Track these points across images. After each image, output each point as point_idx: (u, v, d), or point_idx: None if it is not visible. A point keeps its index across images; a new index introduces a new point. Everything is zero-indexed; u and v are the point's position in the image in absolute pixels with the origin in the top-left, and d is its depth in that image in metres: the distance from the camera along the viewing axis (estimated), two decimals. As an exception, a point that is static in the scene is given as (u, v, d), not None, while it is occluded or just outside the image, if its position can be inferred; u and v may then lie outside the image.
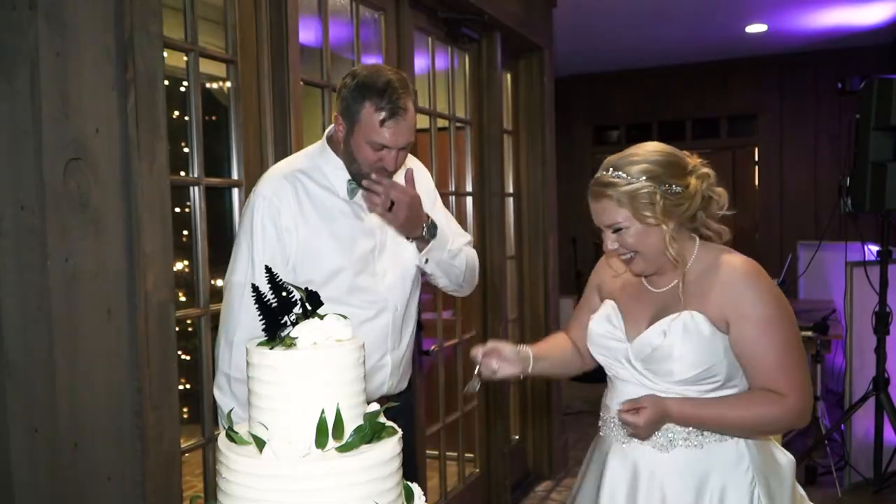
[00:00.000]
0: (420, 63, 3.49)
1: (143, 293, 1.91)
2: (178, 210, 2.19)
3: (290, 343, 1.26)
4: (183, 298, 3.08)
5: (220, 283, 2.06)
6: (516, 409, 4.54)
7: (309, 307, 1.30)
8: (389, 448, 1.24)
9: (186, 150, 2.32)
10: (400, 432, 1.30)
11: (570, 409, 5.15)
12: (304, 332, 1.27)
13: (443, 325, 3.71)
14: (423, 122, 3.57)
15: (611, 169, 1.70)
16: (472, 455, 4.04)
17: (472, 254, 2.25)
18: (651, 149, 1.72)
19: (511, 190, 4.50)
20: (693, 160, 1.75)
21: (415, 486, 1.36)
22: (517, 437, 4.52)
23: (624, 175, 1.67)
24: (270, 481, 1.18)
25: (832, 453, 4.38)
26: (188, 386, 2.86)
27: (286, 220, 1.96)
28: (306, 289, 1.32)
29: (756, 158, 7.52)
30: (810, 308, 5.18)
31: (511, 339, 4.39)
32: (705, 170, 1.74)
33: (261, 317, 1.28)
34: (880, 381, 4.09)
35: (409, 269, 2.12)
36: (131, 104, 1.88)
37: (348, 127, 1.95)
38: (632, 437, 1.75)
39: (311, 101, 2.81)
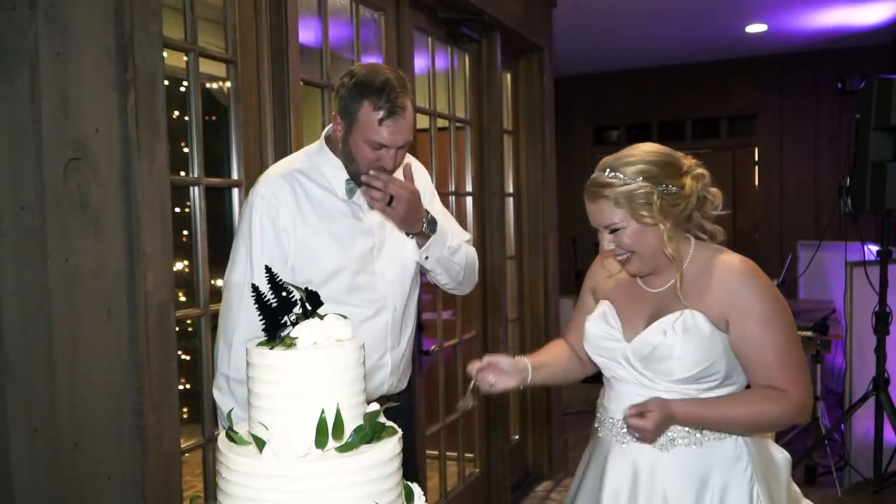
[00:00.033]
0: (420, 63, 3.49)
1: (143, 293, 1.91)
2: (178, 210, 2.19)
3: (290, 343, 1.26)
4: (183, 298, 3.08)
5: (219, 283, 2.06)
6: (516, 409, 4.54)
7: (309, 307, 1.30)
8: (389, 448, 1.24)
9: (186, 150, 2.32)
10: (400, 432, 1.30)
11: (570, 409, 5.15)
12: (304, 332, 1.27)
13: (443, 325, 3.71)
14: (423, 122, 3.57)
15: (607, 170, 1.70)
16: (472, 455, 4.04)
17: (472, 252, 2.25)
18: (647, 149, 1.73)
19: (511, 190, 4.50)
20: (688, 161, 1.76)
21: (415, 486, 1.36)
22: (517, 437, 4.52)
23: (620, 176, 1.68)
24: (270, 481, 1.18)
25: (832, 453, 4.39)
26: (188, 386, 2.86)
27: (284, 220, 1.96)
28: (306, 289, 1.32)
29: (756, 158, 7.52)
30: (810, 308, 5.18)
31: (511, 339, 4.40)
32: (700, 170, 1.75)
33: (261, 317, 1.28)
34: (880, 381, 4.09)
35: (409, 267, 2.12)
36: (131, 104, 1.88)
37: (346, 126, 1.95)
38: (639, 441, 1.75)
39: (311, 101, 2.81)
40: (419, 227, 2.03)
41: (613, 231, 1.72)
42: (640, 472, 1.77)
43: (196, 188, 2.31)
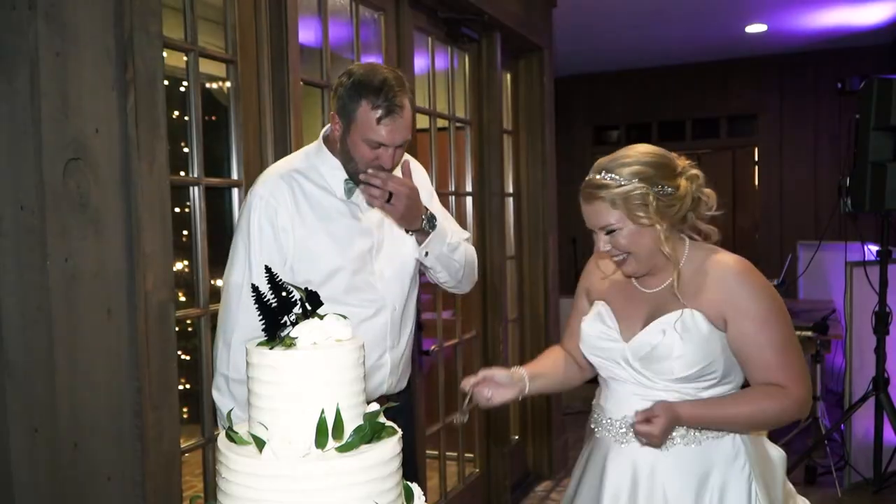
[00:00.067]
0: (420, 63, 3.49)
1: (143, 293, 1.91)
2: (178, 210, 2.20)
3: (289, 343, 1.27)
4: (183, 298, 3.08)
5: (219, 283, 2.06)
6: (516, 409, 4.54)
7: (308, 307, 1.30)
8: (389, 448, 1.24)
9: (186, 150, 2.32)
10: (400, 432, 1.30)
11: (570, 409, 5.15)
12: (304, 332, 1.27)
13: (443, 325, 3.71)
14: (422, 122, 3.57)
15: (603, 171, 1.71)
16: (472, 455, 4.04)
17: (471, 250, 2.25)
18: (642, 150, 1.73)
19: (511, 190, 4.50)
20: (682, 162, 1.77)
21: (415, 486, 1.36)
22: (517, 437, 4.53)
23: (616, 177, 1.69)
24: (270, 481, 1.18)
25: (832, 453, 4.39)
26: (188, 386, 2.86)
27: (283, 220, 1.96)
28: (306, 289, 1.32)
29: (756, 158, 7.52)
30: (810, 308, 5.18)
31: (511, 339, 4.40)
32: (694, 171, 1.76)
33: (261, 317, 1.28)
34: (880, 381, 4.09)
35: (408, 267, 2.12)
36: (131, 104, 1.88)
37: (345, 125, 1.95)
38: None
39: (311, 101, 2.81)
40: (419, 223, 2.03)
41: (609, 232, 1.72)
42: (640, 471, 1.77)
43: (196, 188, 2.31)
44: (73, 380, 1.76)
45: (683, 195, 1.71)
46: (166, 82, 2.01)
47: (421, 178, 2.15)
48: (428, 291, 3.72)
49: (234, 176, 2.45)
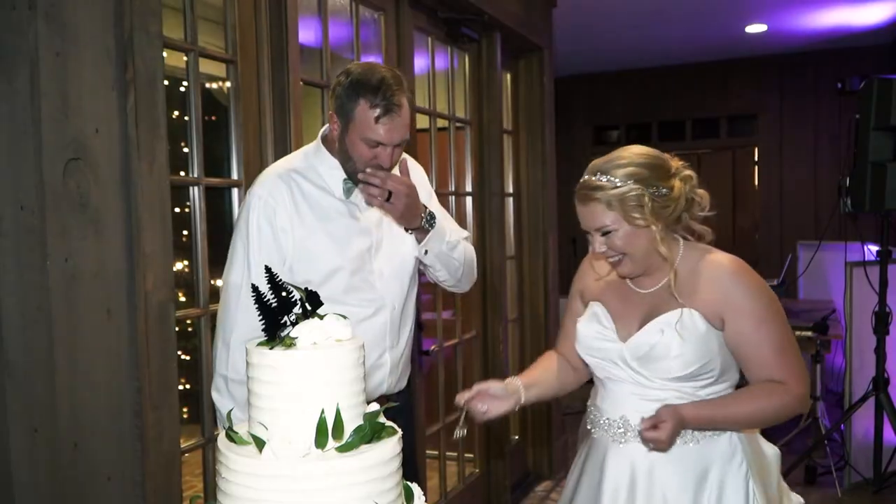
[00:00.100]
0: (420, 63, 3.49)
1: (143, 293, 1.91)
2: (177, 210, 2.19)
3: (289, 343, 1.26)
4: (183, 298, 3.08)
5: (219, 283, 2.06)
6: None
7: (308, 307, 1.30)
8: (389, 448, 1.24)
9: (186, 150, 2.32)
10: (400, 432, 1.30)
11: (570, 409, 5.15)
12: (304, 332, 1.27)
13: (443, 325, 3.71)
14: (422, 122, 3.57)
15: (598, 173, 1.72)
16: (472, 455, 4.04)
17: (470, 249, 2.25)
18: (636, 152, 1.74)
19: (511, 190, 4.50)
20: (675, 163, 1.78)
21: (415, 486, 1.36)
22: (517, 437, 4.52)
23: (612, 178, 1.69)
24: (270, 481, 1.18)
25: (832, 453, 4.39)
26: (188, 386, 2.86)
27: (282, 220, 1.96)
28: (306, 289, 1.32)
29: (756, 158, 7.52)
30: (810, 308, 5.18)
31: (511, 339, 4.40)
32: (687, 172, 1.77)
33: (260, 317, 1.28)
34: (880, 381, 4.09)
35: (407, 266, 2.12)
36: (131, 104, 1.88)
37: (343, 125, 1.95)
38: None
39: (310, 101, 2.81)
40: (418, 221, 2.03)
41: (605, 233, 1.73)
42: (638, 470, 1.78)
43: (196, 188, 2.31)
44: (73, 380, 1.76)
45: (678, 196, 1.72)
46: (166, 82, 2.01)
47: (419, 176, 2.15)
48: (428, 291, 3.72)
49: (234, 176, 2.45)
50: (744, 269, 1.76)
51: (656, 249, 1.73)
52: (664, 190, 1.71)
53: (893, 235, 4.20)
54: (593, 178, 1.71)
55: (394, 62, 3.17)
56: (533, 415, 4.61)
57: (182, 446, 2.14)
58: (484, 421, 1.87)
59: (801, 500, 1.92)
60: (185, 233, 2.63)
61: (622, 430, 1.80)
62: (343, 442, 1.22)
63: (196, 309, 2.34)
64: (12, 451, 1.72)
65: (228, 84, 2.45)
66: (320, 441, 1.21)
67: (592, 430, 1.89)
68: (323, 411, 1.21)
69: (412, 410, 2.63)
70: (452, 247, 2.14)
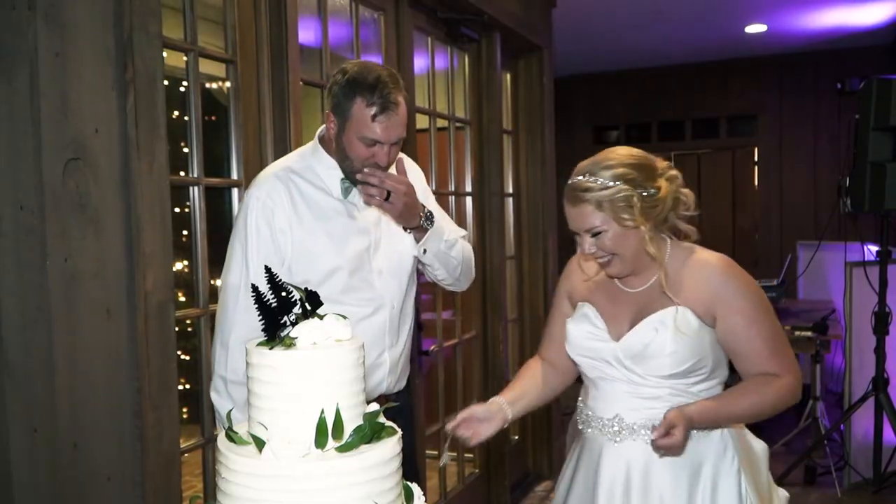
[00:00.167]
0: (420, 63, 3.49)
1: (143, 293, 1.91)
2: (177, 210, 2.19)
3: (289, 343, 1.26)
4: (182, 298, 3.08)
5: (219, 283, 2.06)
6: (516, 409, 4.53)
7: (308, 307, 1.30)
8: (389, 448, 1.24)
9: (186, 150, 2.32)
10: (400, 432, 1.30)
11: (570, 410, 5.15)
12: (304, 332, 1.27)
13: (442, 325, 3.71)
14: (422, 122, 3.58)
15: (586, 174, 1.73)
16: (471, 455, 4.04)
17: (468, 247, 2.25)
18: (623, 153, 1.76)
19: (511, 190, 4.50)
20: (661, 163, 1.80)
21: (414, 486, 1.36)
22: (517, 437, 4.52)
23: (601, 179, 1.71)
24: (270, 481, 1.17)
25: (832, 453, 4.39)
26: (188, 386, 2.87)
27: (280, 221, 1.96)
28: (305, 289, 1.32)
29: (756, 158, 7.52)
30: (810, 308, 5.18)
31: (511, 339, 4.40)
32: (673, 172, 1.80)
33: (260, 317, 1.28)
34: (880, 382, 4.09)
35: (406, 265, 2.12)
36: (131, 104, 1.88)
37: (340, 124, 1.95)
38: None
39: (310, 101, 2.81)
40: (417, 220, 2.03)
41: (595, 234, 1.74)
42: (634, 469, 1.79)
43: (196, 188, 2.31)
44: (73, 380, 1.76)
45: (665, 196, 1.75)
46: (166, 82, 2.01)
47: (416, 175, 2.16)
48: (428, 291, 3.72)
49: (234, 176, 2.45)
50: (732, 267, 1.80)
51: (645, 249, 1.75)
52: (652, 190, 1.73)
53: (893, 235, 4.20)
54: (582, 180, 1.73)
55: (393, 62, 3.17)
56: (533, 415, 4.59)
57: (182, 446, 2.14)
58: (475, 445, 1.90)
59: (787, 494, 1.94)
60: (184, 233, 2.63)
61: (616, 428, 1.81)
62: (343, 442, 1.22)
63: (196, 309, 2.34)
64: (12, 451, 1.72)
65: (228, 84, 2.45)
66: (320, 441, 1.21)
67: (585, 430, 1.90)
68: (323, 411, 1.21)
69: (412, 410, 2.63)
70: (451, 245, 2.14)
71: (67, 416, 1.74)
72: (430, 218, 2.07)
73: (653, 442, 1.68)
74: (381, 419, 1.28)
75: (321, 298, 1.32)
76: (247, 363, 1.26)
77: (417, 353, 3.20)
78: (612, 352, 1.81)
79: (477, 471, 4.05)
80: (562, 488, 1.96)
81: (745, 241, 7.54)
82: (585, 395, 1.93)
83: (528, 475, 4.61)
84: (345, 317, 1.31)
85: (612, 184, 1.70)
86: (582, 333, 1.87)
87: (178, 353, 2.10)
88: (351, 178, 1.99)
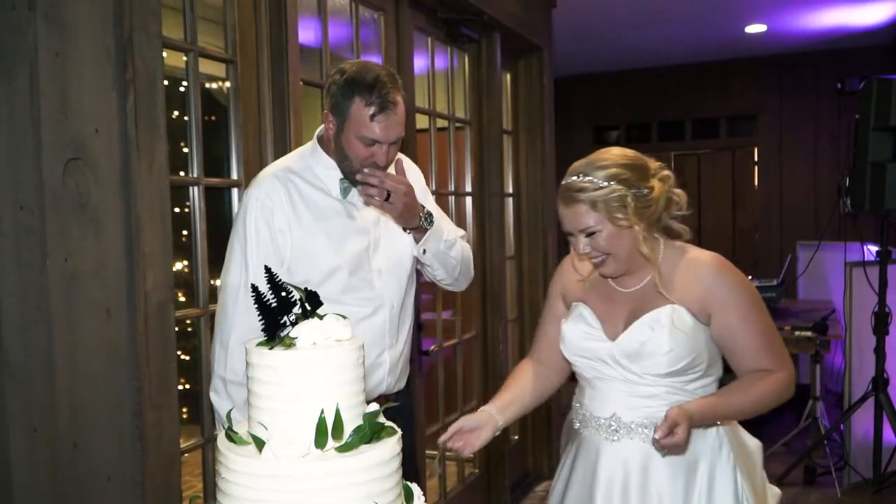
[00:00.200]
0: (419, 63, 3.49)
1: (143, 293, 1.91)
2: (177, 210, 2.19)
3: (289, 343, 1.26)
4: (182, 298, 3.08)
5: (219, 283, 2.06)
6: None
7: (308, 307, 1.30)
8: (389, 448, 1.24)
9: (186, 150, 2.32)
10: (399, 432, 1.30)
11: (569, 410, 5.16)
12: (304, 332, 1.27)
13: (442, 325, 3.71)
14: (422, 122, 3.57)
15: (580, 174, 1.74)
16: (471, 455, 4.03)
17: (467, 247, 2.26)
18: (617, 153, 1.78)
19: (511, 190, 4.50)
20: (654, 164, 1.81)
21: (414, 487, 1.36)
22: (517, 437, 4.53)
23: (595, 180, 1.72)
24: (270, 481, 1.18)
25: (831, 453, 4.39)
26: (188, 386, 2.86)
27: (279, 221, 1.96)
28: (305, 289, 1.32)
29: (756, 158, 7.52)
30: (810, 308, 5.18)
31: (511, 339, 4.39)
32: (665, 172, 1.81)
33: (260, 317, 1.28)
34: (879, 382, 4.09)
35: (405, 265, 2.13)
36: (130, 104, 1.88)
37: (338, 124, 1.95)
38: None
39: (310, 101, 2.81)
40: (417, 221, 2.03)
41: (589, 234, 1.75)
42: (632, 468, 1.80)
43: (195, 188, 2.31)
44: (73, 380, 1.76)
45: (658, 196, 1.76)
46: (166, 82, 2.01)
47: (415, 175, 2.16)
48: (428, 291, 3.72)
49: (234, 176, 2.45)
50: (726, 265, 1.81)
51: (639, 249, 1.76)
52: (645, 190, 1.74)
53: (893, 235, 4.20)
54: (576, 180, 1.74)
55: (393, 62, 3.17)
56: (533, 415, 4.60)
57: (182, 446, 2.14)
58: (468, 456, 1.90)
59: (779, 491, 1.96)
60: (184, 233, 2.63)
61: (614, 427, 1.82)
62: (343, 442, 1.22)
63: (195, 309, 2.34)
64: (12, 451, 1.72)
65: (228, 84, 2.45)
66: (320, 441, 1.21)
67: (582, 430, 1.90)
68: (323, 411, 1.21)
69: (412, 410, 2.64)
70: (450, 245, 2.14)
71: (67, 416, 1.74)
72: (429, 218, 2.07)
73: (656, 441, 1.68)
74: (381, 419, 1.29)
75: (322, 298, 1.32)
76: (247, 363, 1.26)
77: (417, 353, 3.20)
78: (608, 351, 1.82)
79: (477, 471, 4.05)
80: (558, 489, 1.96)
81: (745, 241, 7.54)
82: (581, 395, 1.94)
83: (528, 475, 4.61)
84: (345, 317, 1.31)
85: (605, 184, 1.71)
86: (578, 333, 1.87)
87: (178, 353, 2.10)
88: (350, 177, 1.99)
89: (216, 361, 1.98)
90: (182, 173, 2.31)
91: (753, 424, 1.89)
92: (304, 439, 1.20)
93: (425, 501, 1.36)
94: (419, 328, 3.33)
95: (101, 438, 1.83)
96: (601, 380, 1.86)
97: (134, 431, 1.89)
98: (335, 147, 1.99)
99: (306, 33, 2.71)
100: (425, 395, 3.53)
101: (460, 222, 3.85)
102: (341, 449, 1.21)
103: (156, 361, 1.95)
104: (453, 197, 3.87)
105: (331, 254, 1.99)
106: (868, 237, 4.46)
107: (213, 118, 3.13)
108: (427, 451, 3.54)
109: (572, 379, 2.01)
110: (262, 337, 1.29)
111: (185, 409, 2.67)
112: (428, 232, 2.06)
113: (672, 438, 1.66)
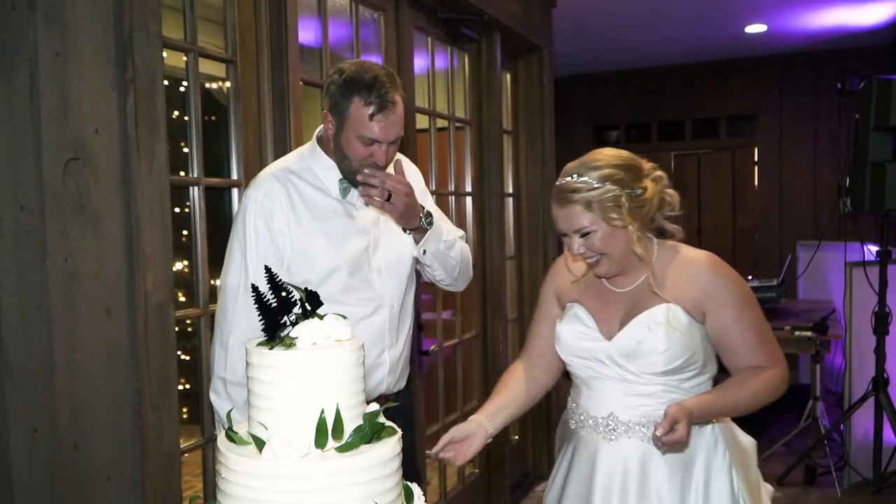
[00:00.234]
0: (419, 63, 3.49)
1: (143, 293, 1.91)
2: (177, 210, 2.19)
3: (289, 343, 1.26)
4: (182, 298, 3.07)
5: (218, 283, 2.06)
6: (516, 409, 4.53)
7: (308, 307, 1.30)
8: (389, 448, 1.24)
9: (186, 150, 2.32)
10: (399, 432, 1.30)
11: (570, 409, 5.16)
12: (304, 332, 1.27)
13: (442, 325, 3.71)
14: (422, 122, 3.57)
15: (575, 175, 1.75)
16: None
17: (466, 247, 2.26)
18: (610, 154, 1.78)
19: (510, 190, 4.50)
20: (647, 164, 1.82)
21: (414, 487, 1.36)
22: (517, 437, 4.53)
23: (589, 180, 1.73)
24: (270, 481, 1.18)
25: (832, 453, 4.39)
26: (188, 386, 2.86)
27: (279, 221, 1.96)
28: (306, 289, 1.32)
29: (756, 158, 7.52)
30: (810, 308, 5.18)
31: (511, 338, 4.39)
32: (658, 172, 1.83)
33: (260, 317, 1.28)
34: (879, 382, 4.09)
35: (405, 264, 2.13)
36: (130, 104, 1.88)
37: (338, 123, 1.95)
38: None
39: (310, 101, 2.81)
40: (417, 221, 2.03)
41: (584, 235, 1.76)
42: (630, 467, 1.81)
43: (196, 188, 2.31)
44: (73, 380, 1.76)
45: (651, 196, 1.77)
46: (166, 82, 2.01)
47: (414, 176, 2.16)
48: (428, 291, 3.72)
49: (234, 176, 2.45)
50: (719, 264, 1.83)
51: (632, 249, 1.77)
52: (639, 190, 1.75)
53: (893, 235, 4.20)
54: (571, 181, 1.74)
55: (393, 62, 3.17)
56: (533, 415, 4.60)
57: (182, 446, 2.14)
58: (462, 464, 1.92)
59: (772, 488, 1.97)
60: (184, 233, 2.63)
61: (611, 427, 1.83)
62: (343, 442, 1.22)
63: (195, 309, 2.34)
64: (12, 451, 1.72)
65: (228, 84, 2.45)
66: (320, 441, 1.21)
67: (579, 430, 1.91)
68: (323, 411, 1.21)
69: (412, 410, 2.63)
70: (450, 246, 2.14)
71: (67, 416, 1.74)
72: (429, 218, 2.07)
73: (657, 439, 1.68)
74: (381, 419, 1.29)
75: (322, 298, 1.32)
76: (247, 363, 1.26)
77: (417, 353, 3.20)
78: (604, 351, 1.82)
79: (477, 471, 4.05)
80: (555, 489, 1.96)
81: (745, 241, 7.54)
82: (577, 395, 1.94)
83: (528, 475, 4.61)
84: (345, 317, 1.31)
85: (600, 185, 1.72)
86: (574, 334, 1.88)
87: (178, 353, 2.10)
88: (349, 177, 1.99)
89: (216, 362, 1.98)
90: (182, 173, 2.31)
91: (754, 424, 1.90)
92: (304, 439, 1.20)
93: (425, 501, 1.36)
94: (419, 328, 3.33)
95: (101, 438, 1.83)
96: (597, 379, 1.86)
97: (134, 431, 1.89)
98: (334, 147, 1.99)
99: (306, 33, 2.71)
100: (425, 395, 3.53)
101: (460, 222, 3.85)
102: (341, 449, 1.21)
103: (156, 361, 1.95)
104: (453, 197, 3.87)
105: (330, 254, 1.99)
106: (868, 237, 4.46)
107: (213, 118, 3.13)
108: (427, 451, 3.54)
109: (566, 377, 2.01)
110: (262, 337, 1.30)
111: (185, 409, 2.67)
112: (428, 232, 2.06)
113: (673, 435, 1.66)
